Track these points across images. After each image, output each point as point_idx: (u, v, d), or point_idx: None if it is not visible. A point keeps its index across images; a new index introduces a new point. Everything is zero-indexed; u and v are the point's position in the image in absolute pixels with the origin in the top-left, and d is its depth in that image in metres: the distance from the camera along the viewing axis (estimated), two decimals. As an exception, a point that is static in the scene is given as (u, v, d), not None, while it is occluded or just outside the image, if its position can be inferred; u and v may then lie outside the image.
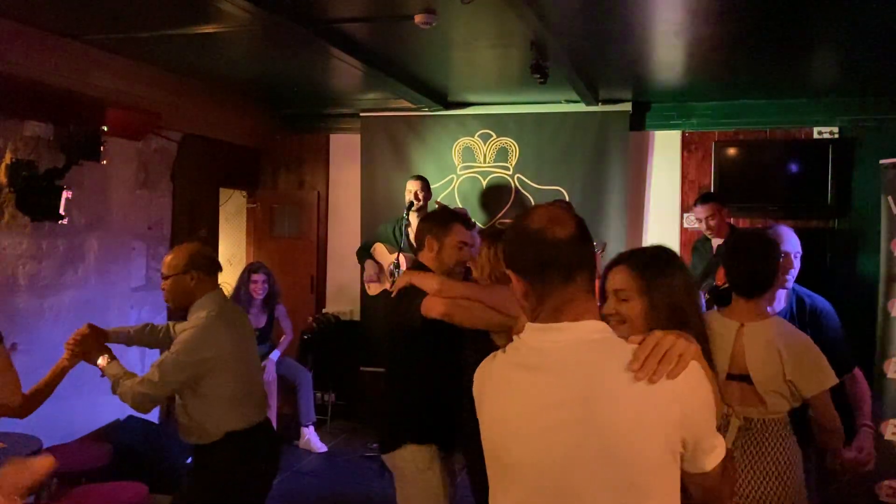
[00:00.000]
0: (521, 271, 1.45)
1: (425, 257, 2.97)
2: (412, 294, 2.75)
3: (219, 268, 2.99)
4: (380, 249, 5.32)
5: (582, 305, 1.42)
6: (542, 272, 1.42)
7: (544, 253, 1.41)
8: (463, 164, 6.04)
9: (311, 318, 6.17)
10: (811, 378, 2.40)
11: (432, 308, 2.65)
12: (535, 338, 1.45)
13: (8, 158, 3.98)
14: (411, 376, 2.86)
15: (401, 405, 2.89)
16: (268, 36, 4.01)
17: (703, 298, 4.21)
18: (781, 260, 2.74)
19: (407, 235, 5.12)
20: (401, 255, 4.93)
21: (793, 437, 2.44)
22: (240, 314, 3.11)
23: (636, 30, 3.85)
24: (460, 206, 5.88)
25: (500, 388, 1.47)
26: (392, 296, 2.91)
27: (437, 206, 5.28)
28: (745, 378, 2.40)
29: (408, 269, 2.99)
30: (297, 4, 3.50)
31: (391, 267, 5.00)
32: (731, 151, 5.54)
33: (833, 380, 2.42)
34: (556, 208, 1.48)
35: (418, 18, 3.52)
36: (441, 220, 3.00)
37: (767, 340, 2.42)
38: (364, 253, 5.40)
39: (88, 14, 3.77)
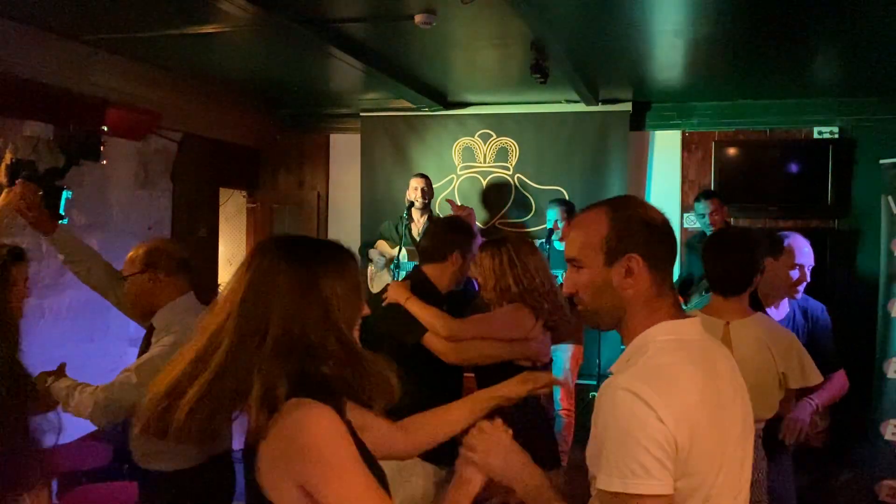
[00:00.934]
0: (654, 262, 1.43)
1: (439, 269, 2.88)
2: (405, 315, 2.70)
3: (186, 267, 2.58)
4: (382, 245, 5.33)
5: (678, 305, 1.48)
6: (665, 266, 1.45)
7: (669, 248, 1.46)
8: (463, 163, 6.04)
9: (311, 318, 6.16)
10: (800, 371, 2.44)
11: (443, 355, 2.62)
12: (685, 330, 1.43)
13: (8, 158, 3.97)
14: (407, 384, 2.84)
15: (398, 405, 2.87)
16: (268, 36, 4.01)
17: (702, 295, 4.23)
18: (762, 261, 2.73)
19: (409, 231, 5.13)
20: (402, 251, 4.94)
21: (761, 449, 2.47)
22: None
23: (636, 30, 3.85)
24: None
25: (701, 402, 1.32)
26: (383, 303, 2.82)
27: (449, 205, 5.20)
28: None
29: (403, 282, 2.88)
30: (297, 4, 3.50)
31: (392, 264, 5.00)
32: (731, 151, 5.54)
33: (818, 377, 2.48)
34: None
35: (418, 18, 3.52)
36: (468, 235, 2.93)
37: (756, 337, 2.43)
38: (367, 250, 5.42)
39: (88, 14, 3.77)
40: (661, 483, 1.25)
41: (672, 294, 1.45)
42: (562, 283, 1.54)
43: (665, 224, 1.45)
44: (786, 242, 2.97)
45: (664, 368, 1.33)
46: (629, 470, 1.25)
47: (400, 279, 4.74)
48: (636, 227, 1.43)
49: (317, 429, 1.31)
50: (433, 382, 2.64)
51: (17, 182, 2.71)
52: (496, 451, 1.55)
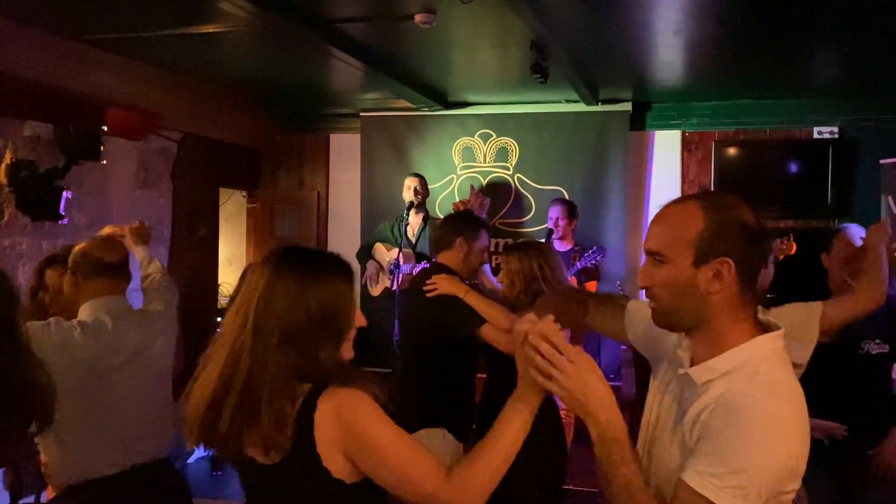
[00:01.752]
0: (744, 268, 1.35)
1: (451, 258, 3.08)
2: (459, 305, 2.85)
3: (108, 271, 2.45)
4: (379, 248, 5.33)
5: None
6: (754, 274, 1.37)
7: (763, 255, 1.39)
8: (463, 163, 6.03)
9: (311, 318, 6.15)
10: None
11: (503, 345, 2.75)
12: (774, 344, 1.37)
13: (8, 158, 3.98)
14: (440, 373, 3.00)
15: (420, 396, 2.98)
16: (268, 36, 4.01)
17: None
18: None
19: (406, 234, 5.13)
20: (400, 253, 4.94)
21: None
22: (133, 332, 2.44)
23: (636, 30, 3.85)
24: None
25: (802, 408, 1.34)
26: (427, 295, 2.96)
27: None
28: None
29: (454, 277, 3.03)
30: (297, 4, 3.50)
31: (391, 265, 5.00)
32: (731, 151, 5.54)
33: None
34: None
35: (418, 18, 3.52)
36: (472, 223, 3.12)
37: None
38: (364, 254, 5.41)
39: (88, 14, 3.77)
40: None
41: (755, 301, 1.39)
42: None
43: (761, 228, 1.36)
44: (839, 235, 2.91)
45: (791, 385, 1.31)
46: (731, 486, 1.20)
47: (399, 279, 4.78)
48: (733, 230, 1.34)
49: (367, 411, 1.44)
50: (463, 366, 3.03)
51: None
52: (580, 379, 1.32)
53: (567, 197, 5.59)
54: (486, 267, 3.42)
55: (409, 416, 2.99)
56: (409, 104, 5.88)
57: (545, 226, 5.35)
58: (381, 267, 5.27)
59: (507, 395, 1.49)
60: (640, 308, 1.72)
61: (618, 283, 5.38)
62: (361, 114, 6.19)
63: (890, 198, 4.66)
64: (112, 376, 2.36)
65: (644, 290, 1.43)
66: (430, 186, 5.36)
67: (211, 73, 5.18)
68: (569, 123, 5.78)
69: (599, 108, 5.67)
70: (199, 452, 5.01)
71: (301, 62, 4.77)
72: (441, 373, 3.00)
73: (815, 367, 2.62)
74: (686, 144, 5.77)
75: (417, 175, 5.29)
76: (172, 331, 2.63)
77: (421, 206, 5.18)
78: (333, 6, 3.63)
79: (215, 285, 6.14)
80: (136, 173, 5.17)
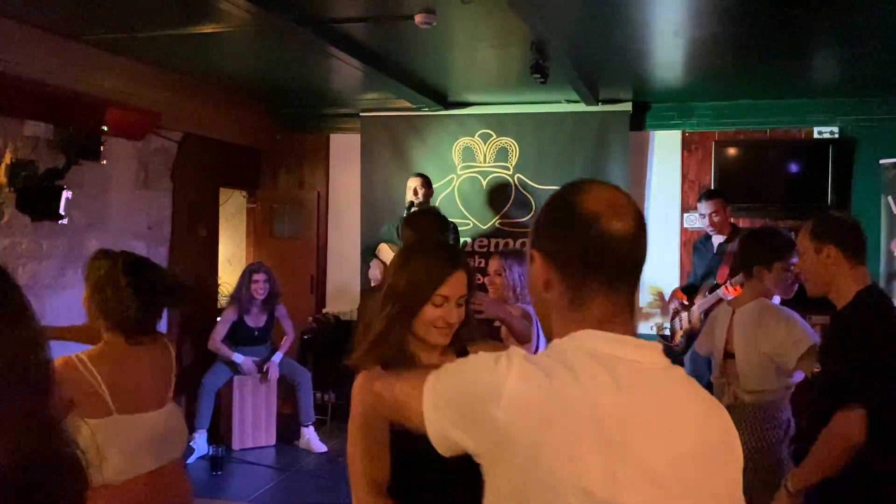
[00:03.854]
0: (554, 259, 1.14)
1: None
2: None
3: None
4: (384, 249, 5.33)
5: (629, 322, 1.13)
6: (582, 270, 1.11)
7: (590, 247, 1.10)
8: (463, 163, 6.04)
9: (311, 318, 6.17)
10: (789, 348, 2.58)
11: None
12: (596, 345, 1.09)
13: (8, 158, 3.98)
14: None
15: None
16: (268, 36, 4.01)
17: (707, 295, 4.23)
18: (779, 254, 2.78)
19: None
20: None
21: (767, 428, 2.64)
22: None
23: (636, 30, 3.85)
24: (461, 206, 5.91)
25: (589, 423, 1.03)
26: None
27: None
28: (732, 356, 2.77)
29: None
30: (297, 4, 3.51)
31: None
32: (731, 151, 5.54)
33: (806, 344, 2.54)
34: (616, 191, 1.14)
35: (418, 18, 3.52)
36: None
37: (749, 320, 2.72)
38: (369, 253, 5.41)
39: (88, 14, 3.77)
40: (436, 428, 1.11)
41: (602, 307, 1.10)
42: None
43: (590, 217, 1.10)
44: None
45: (540, 360, 1.09)
46: (433, 385, 1.13)
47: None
48: (545, 219, 1.17)
49: None
50: None
51: None
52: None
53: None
54: None
55: None
56: (409, 104, 5.88)
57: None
58: (385, 266, 5.27)
59: None
60: None
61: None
62: (361, 114, 6.19)
63: (890, 198, 4.66)
64: None
65: None
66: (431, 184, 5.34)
67: (211, 73, 5.18)
68: (569, 123, 5.78)
69: (599, 108, 5.67)
70: (200, 452, 5.01)
71: (301, 62, 4.77)
72: None
73: None
74: (686, 144, 5.77)
75: (419, 175, 5.28)
76: None
77: (422, 205, 5.18)
78: (333, 6, 3.63)
79: (215, 285, 6.14)
80: (136, 173, 5.18)
